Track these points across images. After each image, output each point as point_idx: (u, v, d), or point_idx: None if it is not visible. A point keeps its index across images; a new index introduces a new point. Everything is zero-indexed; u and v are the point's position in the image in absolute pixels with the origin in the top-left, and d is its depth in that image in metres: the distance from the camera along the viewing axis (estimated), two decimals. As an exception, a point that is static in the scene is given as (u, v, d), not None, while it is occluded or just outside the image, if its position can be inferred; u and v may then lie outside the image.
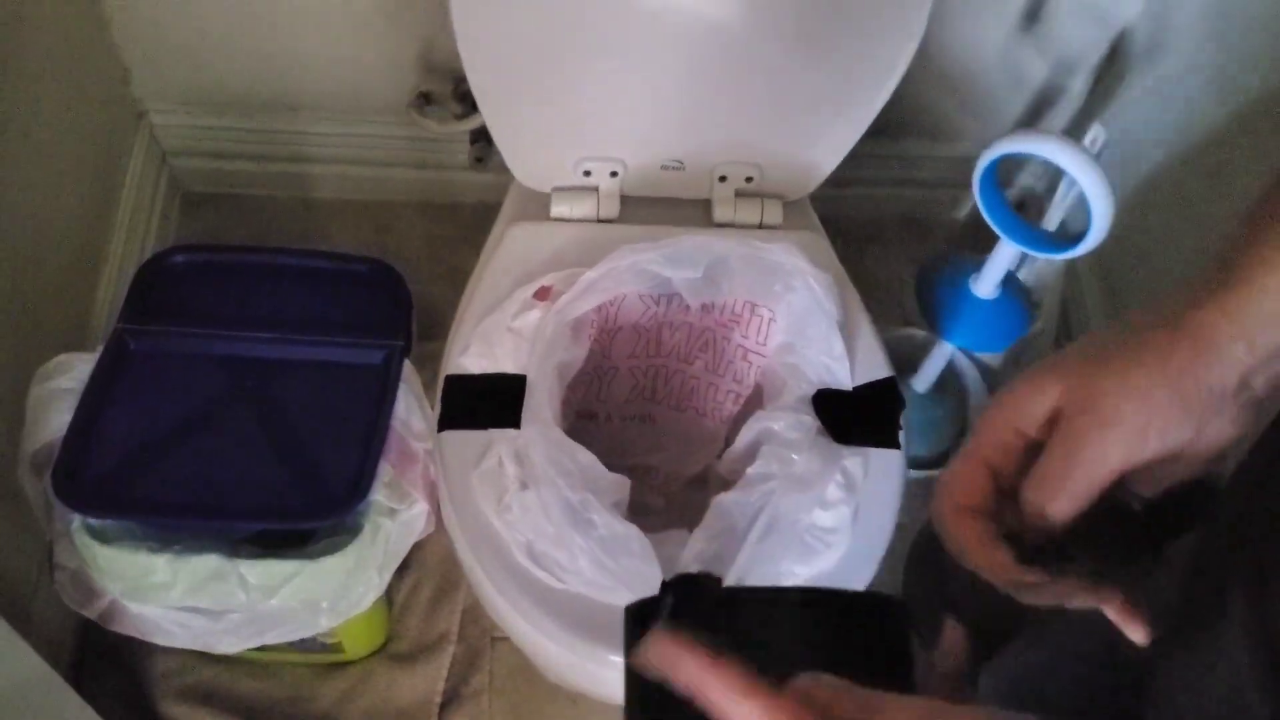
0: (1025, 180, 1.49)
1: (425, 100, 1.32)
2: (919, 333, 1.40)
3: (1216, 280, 0.42)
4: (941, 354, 1.21)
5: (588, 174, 1.03)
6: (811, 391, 0.92)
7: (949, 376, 1.39)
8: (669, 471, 1.09)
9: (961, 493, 0.43)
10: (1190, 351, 0.41)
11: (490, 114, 0.99)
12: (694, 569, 0.84)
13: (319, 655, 1.13)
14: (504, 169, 1.45)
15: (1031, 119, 1.39)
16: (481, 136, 1.37)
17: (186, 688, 1.12)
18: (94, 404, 0.93)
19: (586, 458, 0.85)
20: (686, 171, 1.03)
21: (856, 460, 0.88)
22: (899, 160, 1.47)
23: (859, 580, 0.86)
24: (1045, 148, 1.00)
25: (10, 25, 1.03)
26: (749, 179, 1.04)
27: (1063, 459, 0.41)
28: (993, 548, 0.42)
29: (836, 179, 1.07)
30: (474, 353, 0.93)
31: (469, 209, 1.53)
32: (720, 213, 1.05)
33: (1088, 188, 0.98)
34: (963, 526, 0.43)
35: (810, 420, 0.90)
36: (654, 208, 1.05)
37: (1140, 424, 0.40)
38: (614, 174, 1.03)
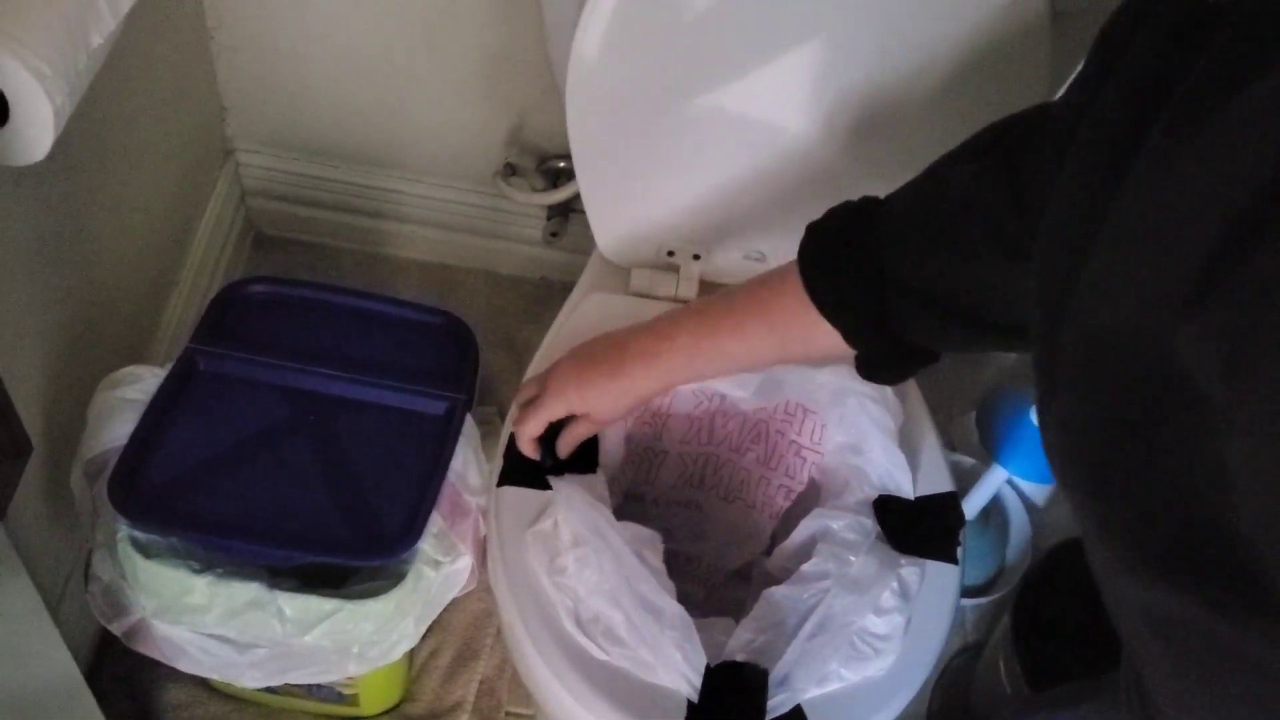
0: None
1: (511, 171, 1.35)
2: (967, 460, 1.39)
3: (661, 336, 0.84)
4: (994, 480, 1.20)
5: (671, 254, 1.04)
6: (873, 495, 0.91)
7: (993, 509, 1.37)
8: (711, 563, 1.07)
9: (532, 430, 0.86)
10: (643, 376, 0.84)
11: (587, 188, 1.01)
12: (739, 658, 0.82)
13: (333, 706, 1.10)
14: (574, 248, 1.47)
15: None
16: (558, 212, 1.39)
17: (194, 722, 1.09)
18: (158, 417, 0.93)
19: (609, 517, 0.85)
20: (767, 264, 1.04)
21: (914, 570, 0.87)
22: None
23: (905, 692, 0.83)
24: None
25: (128, 55, 1.06)
26: (827, 279, 1.05)
27: (572, 436, 0.86)
28: (535, 449, 0.87)
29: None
30: (540, 413, 0.92)
31: (532, 284, 1.54)
32: (795, 307, 1.05)
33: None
34: (530, 445, 0.87)
35: (870, 524, 0.88)
36: (731, 295, 1.05)
37: (611, 418, 0.87)
38: (696, 257, 1.04)
